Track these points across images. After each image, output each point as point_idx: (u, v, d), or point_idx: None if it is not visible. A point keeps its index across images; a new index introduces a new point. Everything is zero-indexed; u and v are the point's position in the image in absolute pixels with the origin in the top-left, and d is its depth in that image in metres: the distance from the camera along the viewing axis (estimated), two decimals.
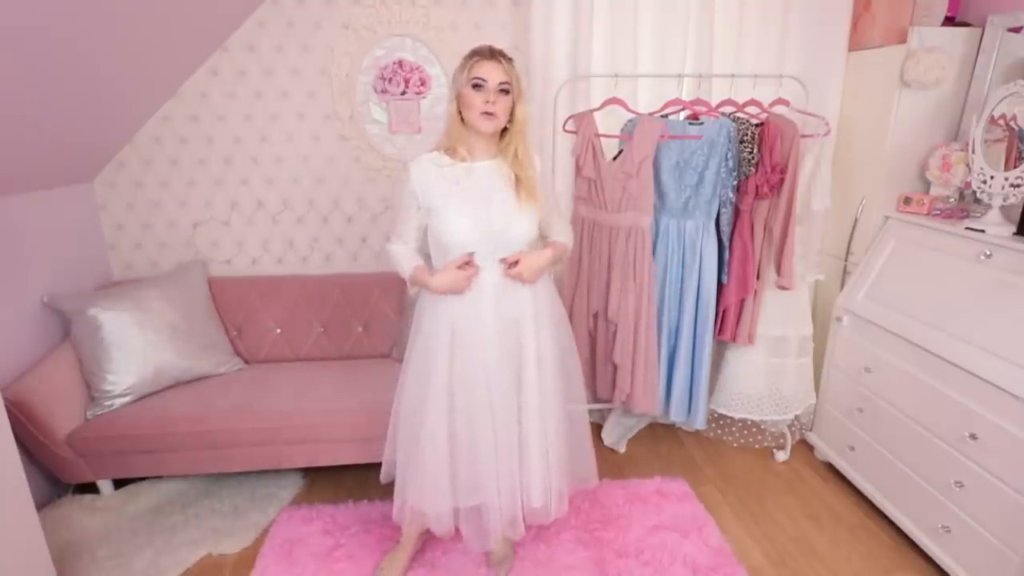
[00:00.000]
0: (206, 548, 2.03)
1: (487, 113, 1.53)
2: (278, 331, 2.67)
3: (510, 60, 1.57)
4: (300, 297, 2.69)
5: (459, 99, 1.57)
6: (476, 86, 1.52)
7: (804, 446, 2.67)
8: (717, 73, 2.43)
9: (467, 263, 1.59)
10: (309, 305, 2.69)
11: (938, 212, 2.19)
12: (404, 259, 1.68)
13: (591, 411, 2.81)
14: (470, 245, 1.59)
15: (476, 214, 1.58)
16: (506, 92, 1.54)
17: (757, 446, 2.68)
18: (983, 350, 1.77)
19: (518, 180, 1.61)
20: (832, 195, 2.52)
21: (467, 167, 1.61)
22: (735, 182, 2.26)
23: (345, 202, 2.79)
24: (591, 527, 2.13)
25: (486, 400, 1.67)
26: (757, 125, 2.26)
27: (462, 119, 1.59)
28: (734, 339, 2.45)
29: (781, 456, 2.60)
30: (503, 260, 1.62)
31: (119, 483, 2.32)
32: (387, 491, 2.22)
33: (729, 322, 2.43)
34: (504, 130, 1.61)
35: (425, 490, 1.72)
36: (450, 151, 1.62)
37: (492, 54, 1.54)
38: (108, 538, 2.06)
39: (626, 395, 2.39)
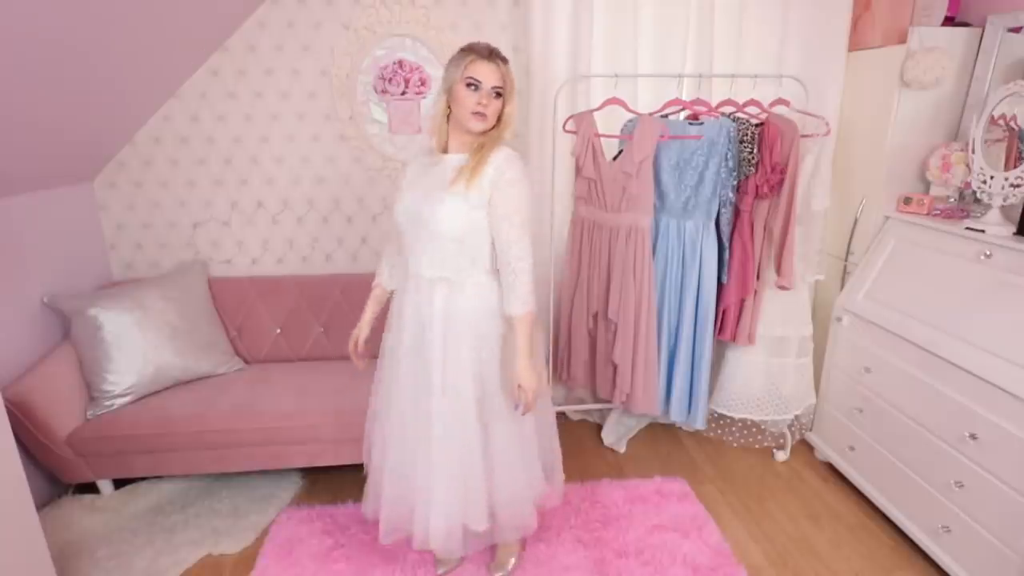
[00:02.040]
0: (206, 548, 2.04)
1: (478, 113, 1.51)
2: (278, 331, 2.67)
3: (506, 61, 1.54)
4: (300, 297, 2.69)
5: (450, 93, 1.53)
6: (470, 85, 1.50)
7: (804, 446, 2.67)
8: (717, 73, 2.43)
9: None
10: (309, 305, 2.69)
11: (938, 212, 2.18)
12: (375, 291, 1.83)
13: (591, 411, 2.82)
14: (402, 230, 1.62)
15: (413, 201, 1.59)
16: (499, 95, 1.53)
17: (757, 446, 2.68)
18: (983, 350, 1.77)
19: (463, 169, 1.53)
20: (832, 195, 2.52)
21: (438, 159, 1.61)
22: (735, 182, 2.26)
23: (345, 202, 2.79)
24: (591, 527, 2.13)
25: (406, 404, 1.67)
26: (757, 125, 2.26)
27: (450, 112, 1.56)
28: (734, 339, 2.45)
29: (781, 456, 2.60)
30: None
31: (119, 483, 2.32)
32: None
33: (729, 322, 2.43)
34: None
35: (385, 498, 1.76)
36: (437, 144, 1.61)
37: (490, 55, 1.51)
38: (108, 538, 2.06)
39: (626, 395, 2.39)
